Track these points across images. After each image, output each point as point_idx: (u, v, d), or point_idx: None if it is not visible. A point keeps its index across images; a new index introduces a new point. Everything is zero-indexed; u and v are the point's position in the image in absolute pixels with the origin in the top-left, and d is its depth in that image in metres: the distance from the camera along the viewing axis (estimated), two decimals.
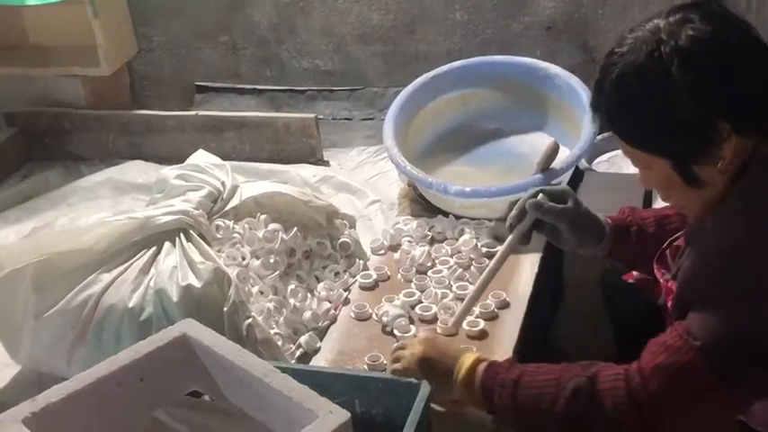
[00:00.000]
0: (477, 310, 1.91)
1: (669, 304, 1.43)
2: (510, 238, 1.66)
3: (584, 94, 2.31)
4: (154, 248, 1.89)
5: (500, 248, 1.69)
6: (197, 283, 1.78)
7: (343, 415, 1.02)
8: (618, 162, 2.48)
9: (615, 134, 1.34)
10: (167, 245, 1.88)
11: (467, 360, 1.47)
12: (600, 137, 2.37)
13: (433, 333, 1.65)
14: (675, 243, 1.52)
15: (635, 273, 1.62)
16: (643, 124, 1.28)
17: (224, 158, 2.30)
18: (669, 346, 1.28)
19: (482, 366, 1.45)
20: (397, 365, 1.55)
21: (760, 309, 1.23)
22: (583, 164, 2.35)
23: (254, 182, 2.18)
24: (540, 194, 1.61)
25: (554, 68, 2.42)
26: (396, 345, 1.66)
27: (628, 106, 1.29)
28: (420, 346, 1.55)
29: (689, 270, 1.33)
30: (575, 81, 2.36)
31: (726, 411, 1.32)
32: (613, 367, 1.35)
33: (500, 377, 1.41)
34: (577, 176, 2.32)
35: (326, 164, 2.65)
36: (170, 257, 1.85)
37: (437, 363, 1.50)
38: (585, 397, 1.33)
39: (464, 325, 1.87)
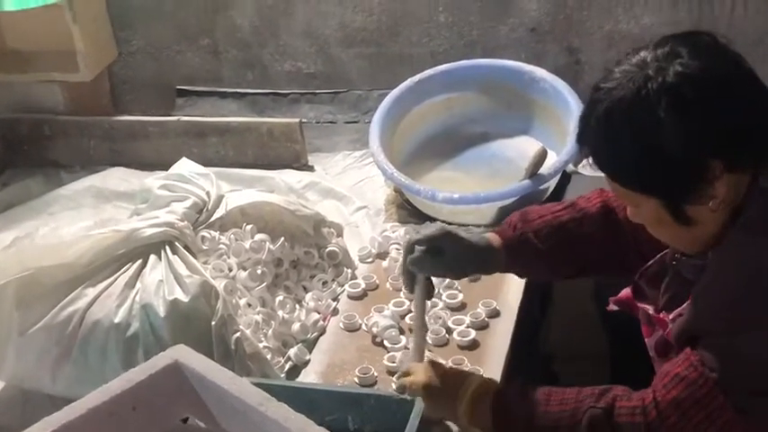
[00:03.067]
0: (467, 319, 1.90)
1: (666, 333, 1.41)
2: (415, 302, 1.64)
3: (570, 97, 2.30)
4: (139, 262, 1.86)
5: (414, 312, 1.67)
6: (184, 298, 1.75)
7: None
8: None
9: (602, 171, 1.31)
10: (153, 258, 1.85)
11: (469, 388, 1.46)
12: None
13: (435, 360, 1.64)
14: (649, 271, 1.50)
15: (613, 305, 1.61)
16: (631, 164, 1.25)
17: (207, 164, 2.28)
18: (684, 378, 1.26)
19: (490, 397, 1.44)
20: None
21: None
22: (569, 167, 2.34)
23: (240, 191, 2.16)
24: (416, 248, 1.57)
25: (540, 72, 2.41)
26: (399, 373, 1.64)
27: (615, 144, 1.25)
28: (423, 374, 1.53)
29: (697, 306, 1.31)
30: (561, 84, 2.35)
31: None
32: (628, 397, 1.33)
33: (512, 409, 1.40)
34: (564, 180, 2.31)
35: (311, 169, 2.62)
36: (156, 271, 1.82)
37: (440, 391, 1.49)
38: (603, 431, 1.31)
39: (455, 335, 1.86)
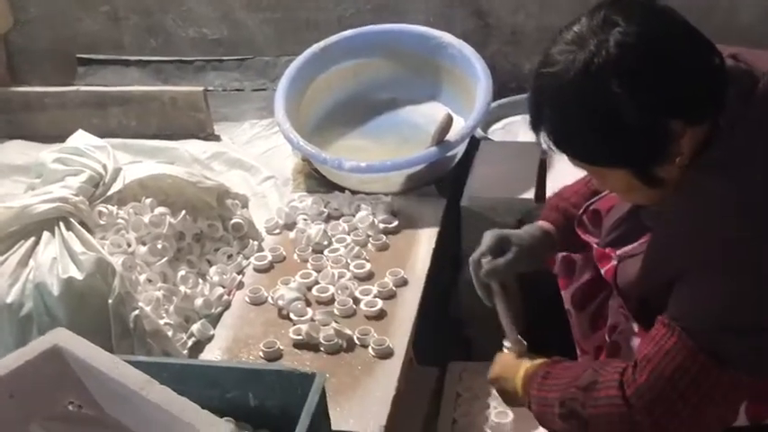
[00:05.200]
0: (375, 288, 1.88)
1: (604, 271, 1.41)
2: (500, 311, 1.58)
3: (477, 63, 2.28)
4: (32, 239, 1.79)
5: (502, 320, 1.60)
6: (79, 276, 1.69)
7: (224, 428, 0.96)
8: (514, 129, 2.47)
9: (564, 153, 1.29)
10: (46, 235, 1.78)
11: (519, 377, 1.46)
12: (494, 104, 2.35)
13: (506, 353, 1.59)
14: (592, 207, 1.50)
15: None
16: (593, 142, 1.23)
17: (109, 136, 2.21)
18: (653, 336, 1.25)
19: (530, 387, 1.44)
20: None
21: (732, 279, 1.20)
22: (478, 132, 2.32)
23: (139, 163, 2.08)
24: (483, 259, 1.56)
25: (447, 37, 2.38)
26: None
27: (573, 127, 1.23)
28: (493, 367, 1.55)
29: (654, 249, 1.30)
30: (468, 50, 2.33)
31: (725, 397, 1.26)
32: (620, 363, 1.33)
33: (532, 383, 1.43)
34: (473, 145, 2.29)
35: (217, 138, 2.56)
36: (49, 248, 1.75)
37: (505, 382, 1.50)
38: (589, 389, 1.32)
39: (362, 305, 1.84)
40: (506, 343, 1.55)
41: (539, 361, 1.45)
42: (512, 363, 1.50)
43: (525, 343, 1.54)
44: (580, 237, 1.51)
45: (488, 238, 1.58)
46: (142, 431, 1.00)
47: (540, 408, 1.40)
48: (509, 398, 1.52)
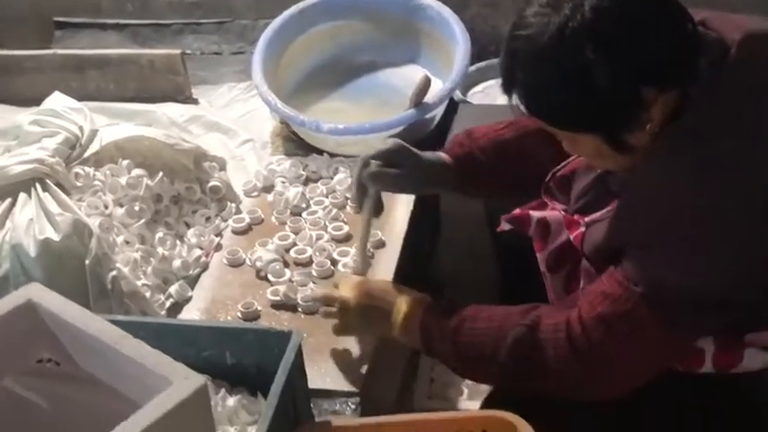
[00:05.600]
0: (352, 251, 1.88)
1: (573, 237, 1.41)
2: (363, 217, 1.61)
3: (456, 25, 2.28)
4: (8, 201, 1.79)
5: (360, 227, 1.64)
6: (55, 237, 1.69)
7: (198, 380, 0.97)
8: (492, 93, 2.46)
9: (536, 117, 1.29)
10: (23, 196, 1.78)
11: (403, 305, 1.44)
12: (473, 67, 2.35)
13: (356, 277, 1.60)
14: (559, 174, 1.50)
15: (504, 223, 1.61)
16: (564, 106, 1.23)
17: (87, 99, 2.19)
18: (609, 295, 1.26)
19: (419, 312, 1.43)
20: (336, 326, 1.55)
21: (699, 251, 1.21)
22: (457, 95, 2.33)
23: (116, 125, 2.08)
24: (372, 162, 1.55)
25: None
26: (318, 294, 1.61)
27: (546, 91, 1.23)
28: (352, 294, 1.51)
29: (621, 215, 1.30)
30: (446, 12, 2.32)
31: (672, 355, 1.31)
32: (554, 315, 1.33)
33: (440, 324, 1.39)
34: (452, 108, 2.29)
35: (195, 102, 2.54)
36: (26, 210, 1.75)
37: (374, 309, 1.47)
38: (527, 348, 1.32)
39: (339, 267, 1.85)
40: (352, 261, 1.55)
41: (418, 297, 1.46)
42: (381, 289, 1.50)
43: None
44: (529, 222, 1.52)
45: (389, 143, 1.59)
46: (117, 385, 1.01)
47: (460, 361, 1.40)
48: (370, 325, 1.51)
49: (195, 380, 0.97)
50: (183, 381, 0.96)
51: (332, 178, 2.11)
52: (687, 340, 1.29)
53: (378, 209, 1.63)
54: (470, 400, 1.89)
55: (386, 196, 2.04)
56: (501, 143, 1.61)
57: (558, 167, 1.51)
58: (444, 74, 2.26)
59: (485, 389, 1.84)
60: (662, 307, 1.23)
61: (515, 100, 1.28)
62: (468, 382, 1.85)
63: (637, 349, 1.27)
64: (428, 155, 1.61)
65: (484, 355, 1.36)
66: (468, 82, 2.40)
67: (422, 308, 1.45)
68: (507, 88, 1.28)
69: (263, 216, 2.02)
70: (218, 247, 1.94)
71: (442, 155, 1.62)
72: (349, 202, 1.63)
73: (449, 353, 1.41)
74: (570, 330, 1.29)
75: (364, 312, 1.50)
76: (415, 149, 1.60)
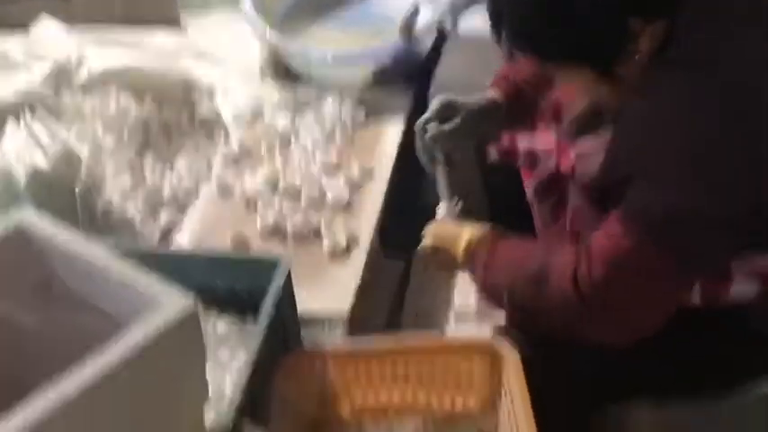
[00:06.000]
0: (341, 180, 1.89)
1: (564, 165, 1.42)
2: (440, 180, 1.60)
3: None
4: None
5: (441, 189, 1.62)
6: (45, 165, 1.69)
7: (188, 302, 0.99)
8: (484, 23, 2.44)
9: (523, 52, 1.29)
10: (12, 124, 1.78)
11: (461, 247, 1.43)
12: None
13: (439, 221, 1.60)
14: (554, 99, 1.51)
15: (492, 152, 1.61)
16: (552, 40, 1.22)
17: (74, 23, 2.16)
18: (610, 233, 1.24)
19: (474, 244, 1.42)
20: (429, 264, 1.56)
21: (697, 178, 1.19)
22: (448, 26, 2.30)
23: (105, 53, 2.06)
24: (428, 126, 1.56)
25: None
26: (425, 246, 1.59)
27: (531, 25, 1.23)
28: (428, 238, 1.52)
29: (612, 150, 1.30)
30: None
31: (679, 296, 1.29)
32: (569, 252, 1.31)
33: (477, 261, 1.41)
34: (441, 40, 2.27)
35: (184, 30, 2.51)
36: (14, 138, 1.75)
37: (444, 251, 1.48)
38: (536, 282, 1.31)
39: (329, 196, 1.86)
40: (440, 210, 1.55)
41: (479, 232, 1.43)
42: (450, 231, 1.49)
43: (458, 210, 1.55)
44: (517, 153, 1.52)
45: (435, 103, 1.60)
46: (107, 308, 1.03)
47: (486, 289, 1.42)
48: (447, 266, 1.52)
49: (186, 302, 0.98)
50: (173, 302, 0.98)
51: (321, 108, 2.10)
52: (693, 276, 1.28)
53: (451, 165, 1.63)
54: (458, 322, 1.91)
55: (374, 125, 2.08)
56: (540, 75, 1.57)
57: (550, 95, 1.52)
58: (436, 3, 2.24)
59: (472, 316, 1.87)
60: (668, 239, 1.21)
61: (503, 37, 1.28)
62: (456, 311, 1.88)
63: (641, 290, 1.25)
64: (474, 98, 1.61)
65: (505, 283, 1.36)
66: (459, 13, 2.37)
67: (476, 239, 1.44)
68: (496, 27, 1.28)
69: (252, 145, 2.03)
70: (208, 177, 1.95)
71: (490, 92, 1.63)
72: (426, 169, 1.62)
73: (485, 289, 1.42)
74: (578, 265, 1.27)
75: (438, 257, 1.51)
76: (460, 98, 1.60)
